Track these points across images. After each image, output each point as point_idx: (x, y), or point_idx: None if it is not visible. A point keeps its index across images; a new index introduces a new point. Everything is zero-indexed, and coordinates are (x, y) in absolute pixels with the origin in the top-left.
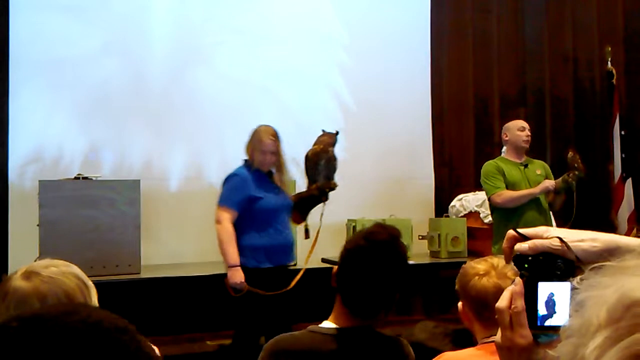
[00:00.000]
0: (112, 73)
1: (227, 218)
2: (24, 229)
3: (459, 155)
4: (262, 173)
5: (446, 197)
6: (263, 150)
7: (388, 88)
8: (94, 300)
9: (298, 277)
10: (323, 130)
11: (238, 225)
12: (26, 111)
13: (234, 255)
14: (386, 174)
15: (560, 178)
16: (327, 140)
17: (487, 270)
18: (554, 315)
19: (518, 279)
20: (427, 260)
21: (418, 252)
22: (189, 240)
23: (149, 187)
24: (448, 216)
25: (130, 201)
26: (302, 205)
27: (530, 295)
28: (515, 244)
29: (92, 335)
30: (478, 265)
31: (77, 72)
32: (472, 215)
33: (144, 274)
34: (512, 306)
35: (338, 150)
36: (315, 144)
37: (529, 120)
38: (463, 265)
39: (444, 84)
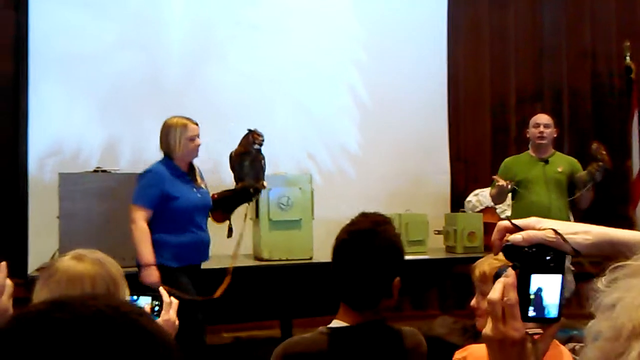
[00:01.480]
0: (129, 67)
1: (141, 217)
2: (43, 221)
3: (475, 151)
4: (181, 171)
5: (462, 192)
6: (191, 136)
7: (404, 84)
8: (127, 292)
9: (225, 283)
10: (248, 130)
11: (150, 224)
12: (45, 105)
13: (148, 255)
14: (402, 169)
15: (585, 171)
16: (250, 141)
17: None
18: (544, 307)
19: (510, 271)
20: (442, 255)
21: (434, 247)
22: None
23: None
24: (464, 211)
25: None
26: (226, 204)
27: (523, 287)
28: (505, 235)
29: (116, 316)
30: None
31: (95, 66)
32: (489, 210)
33: None
34: (505, 298)
35: (353, 145)
36: (239, 145)
37: None
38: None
39: (460, 79)
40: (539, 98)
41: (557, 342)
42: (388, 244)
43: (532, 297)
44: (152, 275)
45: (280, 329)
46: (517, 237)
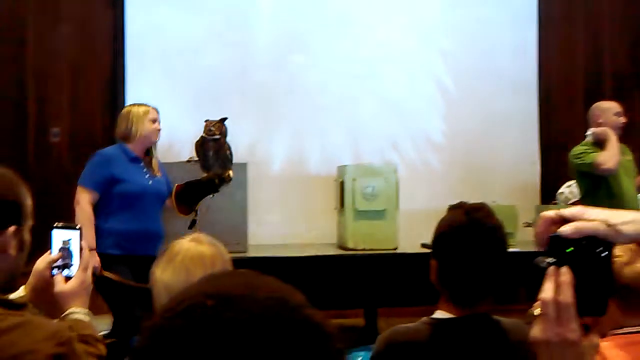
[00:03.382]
0: (219, 61)
1: (85, 199)
2: None
3: (567, 140)
4: (135, 155)
5: (554, 183)
6: (152, 118)
7: (491, 71)
8: None
9: None
10: (206, 120)
11: (95, 207)
12: (141, 98)
13: (90, 239)
14: (489, 159)
15: None
16: (211, 130)
17: (632, 257)
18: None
19: (565, 268)
20: (533, 248)
21: (523, 240)
22: (291, 222)
23: (253, 171)
24: (556, 203)
25: (238, 183)
26: (191, 195)
27: (575, 284)
28: (550, 227)
29: (288, 314)
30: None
31: (187, 60)
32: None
33: (251, 253)
34: (560, 297)
35: (438, 134)
36: (203, 133)
37: None
38: None
39: (552, 65)
40: (636, 84)
41: None
42: (498, 237)
43: (578, 292)
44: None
45: (364, 318)
46: (566, 229)
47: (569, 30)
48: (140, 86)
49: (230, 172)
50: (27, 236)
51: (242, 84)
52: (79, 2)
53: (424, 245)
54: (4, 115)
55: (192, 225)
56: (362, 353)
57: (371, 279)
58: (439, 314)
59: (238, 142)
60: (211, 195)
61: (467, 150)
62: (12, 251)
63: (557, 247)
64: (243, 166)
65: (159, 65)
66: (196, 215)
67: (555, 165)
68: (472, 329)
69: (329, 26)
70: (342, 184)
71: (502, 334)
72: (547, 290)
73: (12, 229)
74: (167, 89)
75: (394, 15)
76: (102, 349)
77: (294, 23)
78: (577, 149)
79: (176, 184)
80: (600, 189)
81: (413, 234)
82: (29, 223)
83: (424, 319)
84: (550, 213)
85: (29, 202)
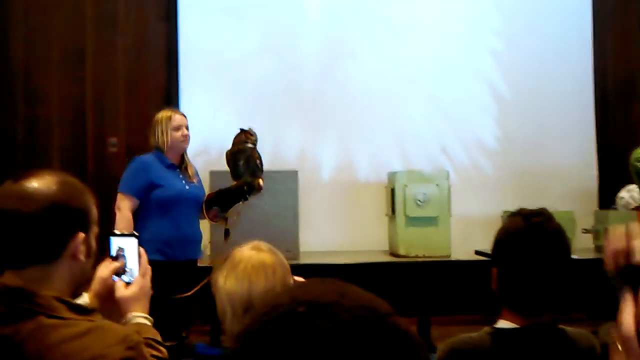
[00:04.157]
0: (269, 71)
1: (125, 205)
2: None
3: (626, 143)
4: (170, 162)
5: (612, 187)
6: (176, 126)
7: (545, 74)
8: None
9: (201, 284)
10: (240, 129)
11: (135, 214)
12: (195, 107)
13: None
14: (544, 163)
15: None
16: (242, 139)
17: None
18: None
19: None
20: (592, 255)
21: (582, 247)
22: (342, 229)
23: (303, 178)
24: (615, 208)
25: (290, 191)
26: (221, 203)
27: None
28: (619, 259)
29: (373, 319)
30: None
31: (239, 71)
32: None
33: (302, 260)
34: None
35: (490, 139)
36: (232, 144)
37: None
38: None
39: (609, 66)
40: None
41: None
42: (560, 242)
43: None
44: None
45: (417, 327)
46: None
47: (625, 28)
48: (194, 97)
49: (260, 181)
50: (93, 243)
51: (292, 93)
52: (134, 16)
53: (477, 253)
54: (65, 126)
55: (226, 235)
56: None
57: (424, 287)
58: (502, 324)
59: (288, 150)
60: (241, 203)
61: (520, 154)
62: (82, 257)
63: (634, 277)
64: (294, 174)
65: (211, 76)
66: (226, 223)
67: (613, 168)
68: (538, 339)
69: (376, 32)
70: (392, 191)
71: (569, 344)
72: (629, 325)
73: (81, 235)
74: (219, 100)
75: (443, 17)
76: (164, 352)
77: (341, 30)
78: (639, 152)
79: (207, 192)
80: None
81: (466, 241)
82: (95, 230)
83: (486, 328)
84: (617, 245)
85: (94, 209)
